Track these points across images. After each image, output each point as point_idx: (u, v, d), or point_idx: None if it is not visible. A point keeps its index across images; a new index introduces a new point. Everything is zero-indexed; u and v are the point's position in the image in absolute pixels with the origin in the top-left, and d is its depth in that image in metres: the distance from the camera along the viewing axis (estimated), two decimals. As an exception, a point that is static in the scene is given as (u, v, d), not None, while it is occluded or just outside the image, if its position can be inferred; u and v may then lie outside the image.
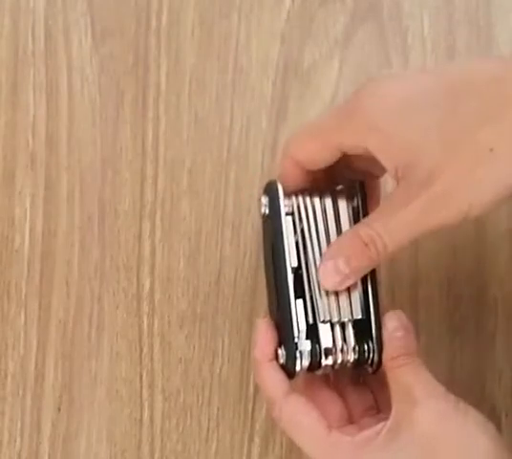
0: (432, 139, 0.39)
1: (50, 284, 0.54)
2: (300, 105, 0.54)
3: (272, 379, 0.44)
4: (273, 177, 0.54)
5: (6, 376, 0.54)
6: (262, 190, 0.45)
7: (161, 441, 0.54)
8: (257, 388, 0.53)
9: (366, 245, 0.41)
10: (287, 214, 0.44)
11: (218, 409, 0.54)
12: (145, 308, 0.54)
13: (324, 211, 0.44)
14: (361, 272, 0.42)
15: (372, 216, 0.42)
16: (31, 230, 0.54)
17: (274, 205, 0.44)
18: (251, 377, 0.53)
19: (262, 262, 0.54)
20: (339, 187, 0.45)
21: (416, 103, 0.40)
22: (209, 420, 0.54)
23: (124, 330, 0.54)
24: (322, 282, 0.43)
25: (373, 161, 0.41)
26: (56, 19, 0.55)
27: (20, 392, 0.54)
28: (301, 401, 0.44)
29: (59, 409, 0.54)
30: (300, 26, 0.54)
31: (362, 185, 0.44)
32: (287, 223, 0.44)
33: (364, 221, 0.42)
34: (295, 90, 0.54)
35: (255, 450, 0.53)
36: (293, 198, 0.44)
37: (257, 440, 0.53)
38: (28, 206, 0.54)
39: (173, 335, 0.54)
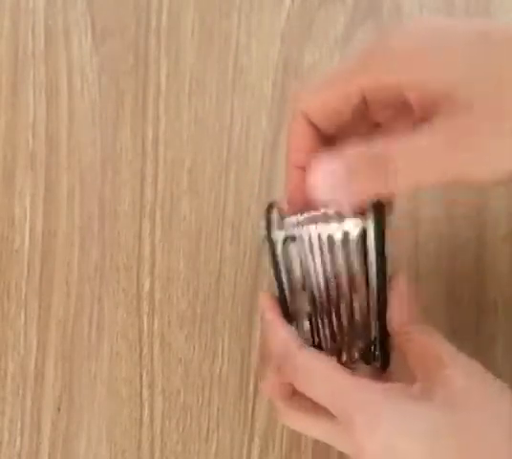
0: (468, 73, 0.36)
1: (50, 284, 0.54)
2: (300, 105, 0.54)
3: (285, 333, 0.43)
4: (273, 177, 0.54)
5: (6, 376, 0.54)
6: (262, 204, 0.45)
7: (161, 441, 0.54)
8: (257, 388, 0.53)
9: (376, 165, 0.36)
10: (287, 238, 0.43)
11: (218, 409, 0.54)
12: (145, 308, 0.54)
13: (329, 239, 0.42)
14: (357, 193, 0.37)
15: (394, 144, 0.37)
16: (31, 230, 0.54)
17: (270, 231, 0.43)
18: (251, 377, 0.53)
19: (262, 262, 0.54)
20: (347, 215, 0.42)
21: (449, 40, 0.37)
22: (209, 420, 0.54)
23: (124, 330, 0.54)
24: (310, 180, 0.38)
25: (393, 109, 0.39)
26: (56, 19, 0.55)
27: (20, 392, 0.54)
28: (315, 351, 0.42)
29: (59, 409, 0.54)
30: (300, 26, 0.54)
31: (378, 207, 0.41)
32: (286, 248, 0.43)
33: (382, 140, 0.37)
34: (295, 90, 0.54)
35: (255, 450, 0.53)
36: (294, 219, 0.43)
37: (257, 440, 0.53)
38: (28, 206, 0.55)
39: (173, 335, 0.54)
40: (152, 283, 0.54)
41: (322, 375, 0.40)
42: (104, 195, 0.54)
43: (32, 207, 0.54)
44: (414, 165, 0.36)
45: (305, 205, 0.42)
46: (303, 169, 0.41)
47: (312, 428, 0.43)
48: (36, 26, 0.55)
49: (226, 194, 0.54)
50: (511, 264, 0.53)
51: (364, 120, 0.41)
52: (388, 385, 0.40)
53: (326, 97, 0.40)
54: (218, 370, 0.54)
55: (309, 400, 0.41)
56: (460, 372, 0.39)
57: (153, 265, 0.54)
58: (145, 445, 0.54)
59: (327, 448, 0.53)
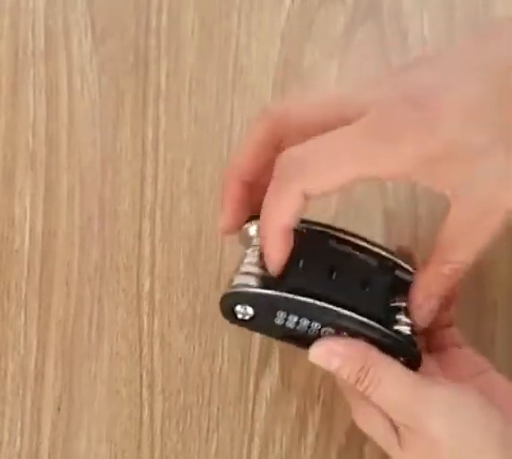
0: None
1: (50, 284, 0.54)
2: (300, 105, 0.54)
3: (363, 345, 0.42)
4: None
5: (6, 376, 0.54)
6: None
7: (161, 441, 0.54)
8: (257, 388, 0.53)
9: (450, 277, 0.41)
10: None
11: (218, 409, 0.54)
12: (145, 308, 0.54)
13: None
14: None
15: (443, 246, 0.42)
16: (31, 230, 0.54)
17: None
18: (251, 377, 0.53)
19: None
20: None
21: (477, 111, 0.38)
22: (209, 420, 0.54)
23: (124, 330, 0.54)
24: (420, 323, 0.42)
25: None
26: (56, 19, 0.55)
27: (20, 392, 0.54)
28: (394, 362, 0.42)
29: (59, 409, 0.54)
30: (300, 26, 0.54)
31: None
32: None
33: (440, 256, 0.42)
34: (295, 90, 0.54)
35: (255, 450, 0.53)
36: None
37: (257, 440, 0.53)
38: (28, 206, 0.54)
39: (173, 335, 0.54)
40: (152, 283, 0.54)
41: (404, 385, 0.41)
42: (104, 195, 0.54)
43: (31, 207, 0.54)
44: (474, 253, 0.41)
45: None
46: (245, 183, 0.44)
47: (368, 420, 0.43)
48: (36, 26, 0.55)
49: (226, 194, 0.54)
50: (511, 264, 0.53)
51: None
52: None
53: (325, 179, 0.40)
54: (218, 370, 0.54)
55: None
56: (437, 423, 0.40)
57: (153, 265, 0.54)
58: (145, 445, 0.54)
59: (326, 448, 0.53)
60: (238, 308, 0.42)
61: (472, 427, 0.39)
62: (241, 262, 0.43)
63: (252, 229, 0.44)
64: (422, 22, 0.54)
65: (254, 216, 0.43)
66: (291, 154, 0.40)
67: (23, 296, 0.54)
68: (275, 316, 0.41)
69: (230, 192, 0.44)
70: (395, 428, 0.41)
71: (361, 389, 0.41)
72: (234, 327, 0.53)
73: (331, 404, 0.53)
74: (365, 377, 0.40)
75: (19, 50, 0.55)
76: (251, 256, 0.42)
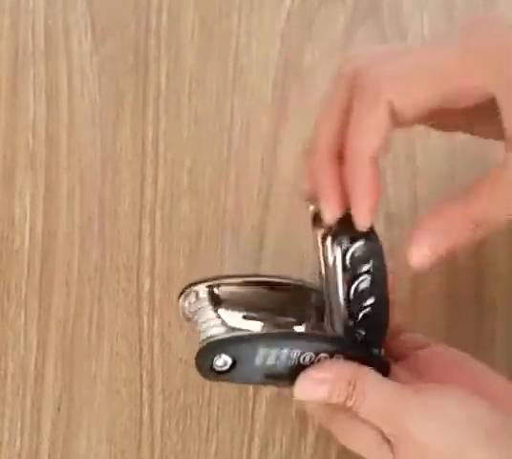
0: None
1: (50, 284, 0.54)
2: (300, 105, 0.54)
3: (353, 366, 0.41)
4: (273, 177, 0.54)
5: (6, 376, 0.54)
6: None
7: (161, 441, 0.54)
8: (257, 388, 0.53)
9: (475, 223, 0.37)
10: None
11: (218, 409, 0.54)
12: (145, 308, 0.54)
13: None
14: (454, 248, 0.38)
15: (481, 191, 0.37)
16: (31, 230, 0.54)
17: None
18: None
19: (261, 262, 0.54)
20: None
21: None
22: (209, 420, 0.54)
23: (124, 330, 0.54)
24: (413, 265, 0.39)
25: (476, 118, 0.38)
26: (56, 19, 0.55)
27: (20, 392, 0.54)
28: (381, 379, 0.41)
29: (59, 409, 0.54)
30: (300, 26, 0.54)
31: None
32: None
33: (472, 198, 0.37)
34: (295, 90, 0.54)
35: (255, 450, 0.53)
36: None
37: (257, 440, 0.53)
38: (28, 206, 0.54)
39: (173, 335, 0.54)
40: (152, 283, 0.54)
41: (388, 401, 0.40)
42: (104, 195, 0.54)
43: (32, 207, 0.54)
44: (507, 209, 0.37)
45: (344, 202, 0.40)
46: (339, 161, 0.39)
47: (358, 438, 0.42)
48: (36, 26, 0.55)
49: (226, 194, 0.54)
50: (511, 264, 0.53)
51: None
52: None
53: (418, 89, 0.37)
54: (218, 370, 0.54)
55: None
56: (425, 427, 0.39)
57: (153, 265, 0.54)
58: (145, 445, 0.54)
59: (326, 448, 0.53)
60: (216, 359, 0.41)
61: (453, 426, 0.39)
62: (197, 323, 0.43)
63: None
64: (422, 22, 0.54)
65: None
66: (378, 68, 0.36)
67: (23, 296, 0.54)
68: (255, 355, 0.41)
69: (328, 174, 0.39)
70: (387, 441, 0.41)
71: (350, 404, 0.40)
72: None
73: (331, 404, 0.53)
74: (353, 390, 0.40)
75: (19, 50, 0.55)
76: (205, 317, 0.43)
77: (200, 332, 0.42)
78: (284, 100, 0.54)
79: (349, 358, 0.41)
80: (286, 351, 0.41)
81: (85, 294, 0.54)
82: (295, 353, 0.41)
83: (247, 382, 0.43)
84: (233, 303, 0.43)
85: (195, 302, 0.44)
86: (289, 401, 0.53)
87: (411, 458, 0.40)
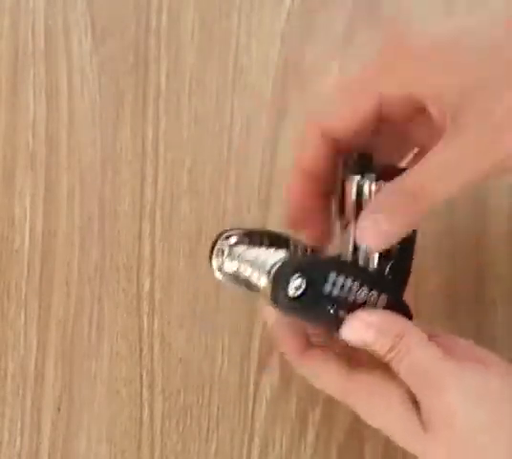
0: (484, 77, 0.37)
1: (50, 284, 0.54)
2: (300, 105, 0.54)
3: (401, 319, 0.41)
4: (273, 177, 0.54)
5: (6, 376, 0.54)
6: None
7: (161, 441, 0.54)
8: (257, 388, 0.53)
9: (411, 195, 0.38)
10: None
11: (218, 409, 0.54)
12: (145, 308, 0.54)
13: None
14: (407, 227, 0.40)
15: (416, 167, 0.38)
16: (31, 230, 0.54)
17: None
18: (251, 377, 0.53)
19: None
20: None
21: (463, 43, 0.37)
22: (209, 420, 0.54)
23: (124, 330, 0.54)
24: (362, 241, 0.39)
25: (409, 112, 0.40)
26: (56, 19, 0.55)
27: (20, 392, 0.54)
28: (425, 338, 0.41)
29: (59, 409, 0.54)
30: (300, 26, 0.54)
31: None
32: None
33: (409, 172, 0.39)
34: (295, 90, 0.54)
35: (255, 450, 0.53)
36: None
37: (257, 440, 0.53)
38: (28, 206, 0.54)
39: (173, 335, 0.54)
40: (152, 283, 0.54)
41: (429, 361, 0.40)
42: (104, 195, 0.54)
43: (31, 207, 0.54)
44: (448, 180, 0.38)
45: (307, 212, 0.43)
46: (310, 175, 0.42)
47: (327, 380, 0.43)
48: (36, 26, 0.55)
49: (226, 194, 0.54)
50: (511, 264, 0.53)
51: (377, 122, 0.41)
52: None
53: (345, 111, 0.40)
54: (218, 370, 0.54)
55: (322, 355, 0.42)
56: (461, 398, 0.39)
57: (153, 265, 0.54)
58: (145, 445, 0.54)
59: (326, 448, 0.53)
60: (292, 281, 0.39)
61: (490, 403, 0.39)
62: (249, 264, 0.42)
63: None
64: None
65: None
66: None
67: (23, 296, 0.54)
68: (326, 281, 0.40)
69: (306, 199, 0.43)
70: (415, 403, 0.40)
71: (391, 356, 0.40)
72: (234, 327, 0.53)
73: (331, 403, 0.53)
74: (399, 343, 0.40)
75: (19, 50, 0.55)
76: (255, 253, 0.42)
77: (258, 268, 0.41)
78: (284, 100, 0.54)
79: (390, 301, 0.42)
80: (349, 281, 0.41)
81: (85, 294, 0.54)
82: (356, 284, 0.41)
83: (313, 315, 0.41)
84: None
85: (232, 251, 0.43)
86: (289, 399, 0.53)
87: (440, 423, 0.39)
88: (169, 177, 0.54)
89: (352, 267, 0.41)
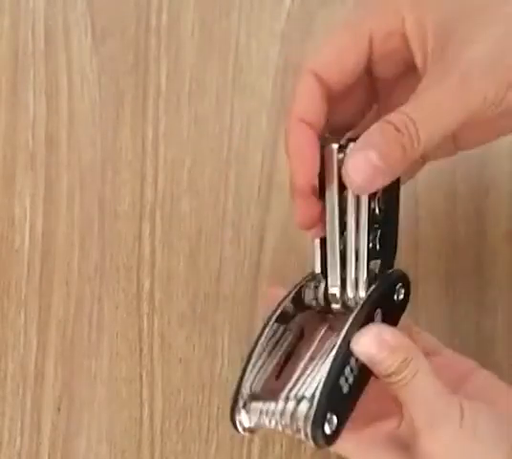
0: (467, 15, 0.37)
1: (50, 284, 0.54)
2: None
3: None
4: (273, 177, 0.54)
5: (6, 376, 0.54)
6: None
7: (161, 441, 0.54)
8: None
9: (398, 130, 0.36)
10: None
11: (218, 409, 0.54)
12: (145, 308, 0.54)
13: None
14: (394, 166, 0.37)
15: (403, 106, 0.37)
16: (31, 230, 0.54)
17: None
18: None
19: (261, 262, 0.54)
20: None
21: None
22: (209, 420, 0.54)
23: (124, 330, 0.54)
24: (351, 178, 0.37)
25: (397, 68, 0.40)
26: (56, 19, 0.55)
27: (20, 392, 0.54)
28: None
29: (59, 409, 0.54)
30: (300, 26, 0.54)
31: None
32: None
33: (398, 109, 0.37)
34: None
35: (255, 450, 0.53)
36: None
37: (257, 440, 0.53)
38: (28, 206, 0.55)
39: (173, 335, 0.54)
40: (152, 283, 0.54)
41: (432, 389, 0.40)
42: (104, 195, 0.54)
43: (31, 207, 0.54)
44: (432, 119, 0.37)
45: (310, 162, 0.41)
46: (308, 124, 0.40)
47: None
48: (36, 26, 0.55)
49: (226, 194, 0.54)
50: (511, 264, 0.53)
51: (369, 80, 0.41)
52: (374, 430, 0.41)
53: (337, 48, 0.39)
54: (218, 370, 0.54)
55: None
56: (460, 435, 0.39)
57: (153, 265, 0.54)
58: (145, 445, 0.54)
59: (326, 449, 0.53)
60: (326, 424, 0.39)
61: (485, 445, 0.39)
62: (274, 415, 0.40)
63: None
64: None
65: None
66: None
67: (23, 296, 0.54)
68: (340, 385, 0.39)
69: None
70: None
71: (395, 379, 0.39)
72: (234, 327, 0.53)
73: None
74: (406, 367, 0.39)
75: (19, 50, 0.55)
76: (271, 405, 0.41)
77: (287, 420, 0.39)
78: (284, 100, 0.54)
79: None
80: (352, 361, 0.40)
81: (85, 294, 0.54)
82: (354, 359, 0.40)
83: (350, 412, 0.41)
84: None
85: (250, 407, 0.41)
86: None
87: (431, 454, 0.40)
88: (169, 177, 0.54)
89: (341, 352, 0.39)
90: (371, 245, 0.41)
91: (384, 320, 0.41)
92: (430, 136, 0.37)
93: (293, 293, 0.42)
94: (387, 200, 0.41)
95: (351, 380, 0.39)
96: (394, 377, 0.39)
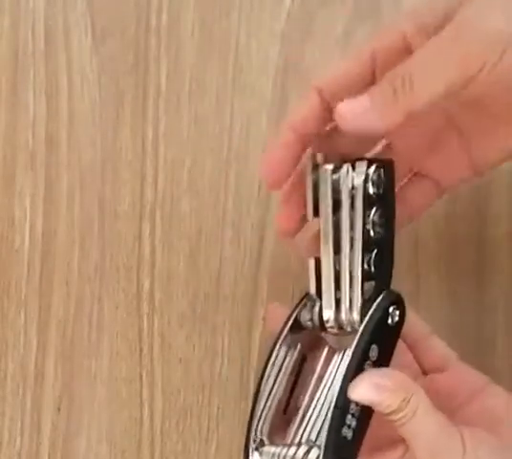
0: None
1: (50, 284, 0.54)
2: (300, 105, 0.54)
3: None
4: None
5: (6, 376, 0.54)
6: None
7: (161, 441, 0.54)
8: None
9: (392, 80, 0.37)
10: None
11: (218, 409, 0.54)
12: (145, 308, 0.54)
13: None
14: (386, 113, 0.37)
15: (402, 62, 0.38)
16: (31, 230, 0.54)
17: None
18: (251, 377, 0.53)
19: (261, 262, 0.54)
20: None
21: None
22: (209, 420, 0.54)
23: (124, 330, 0.54)
24: (340, 115, 0.37)
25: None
26: (56, 19, 0.55)
27: (20, 392, 0.54)
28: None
29: (59, 409, 0.54)
30: (300, 26, 0.54)
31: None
32: None
33: (397, 66, 0.38)
34: (295, 90, 0.54)
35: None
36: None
37: (257, 440, 0.53)
38: (28, 206, 0.54)
39: (173, 335, 0.54)
40: (152, 283, 0.54)
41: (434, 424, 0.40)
42: (104, 195, 0.54)
43: (31, 207, 0.54)
44: (426, 73, 0.37)
45: (287, 168, 0.42)
46: (299, 135, 0.41)
47: None
48: (36, 26, 0.55)
49: (226, 194, 0.54)
50: (511, 264, 0.53)
51: None
52: None
53: (342, 68, 0.41)
54: (218, 370, 0.54)
55: None
56: None
57: (153, 265, 0.54)
58: (145, 445, 0.54)
59: None
60: None
61: None
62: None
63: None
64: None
65: None
66: None
67: (23, 296, 0.54)
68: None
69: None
70: None
71: (396, 417, 0.39)
72: (234, 327, 0.54)
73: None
74: (406, 406, 0.39)
75: (19, 50, 0.55)
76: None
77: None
78: (284, 100, 0.54)
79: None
80: (352, 406, 0.40)
81: (85, 294, 0.54)
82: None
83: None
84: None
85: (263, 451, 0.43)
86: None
87: None
88: (169, 177, 0.54)
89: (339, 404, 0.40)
90: (366, 266, 0.41)
91: (381, 348, 0.41)
92: (424, 88, 0.37)
93: (294, 315, 0.43)
94: (382, 222, 0.42)
95: (354, 424, 0.40)
96: (394, 415, 0.39)
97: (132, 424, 0.54)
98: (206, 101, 0.55)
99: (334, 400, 0.40)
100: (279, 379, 0.42)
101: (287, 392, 0.43)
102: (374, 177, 0.41)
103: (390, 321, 0.41)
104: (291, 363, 0.43)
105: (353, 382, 0.39)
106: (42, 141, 0.55)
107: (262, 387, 0.42)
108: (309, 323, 0.43)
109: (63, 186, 0.55)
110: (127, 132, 0.55)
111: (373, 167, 0.41)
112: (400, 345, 0.43)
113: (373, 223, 0.41)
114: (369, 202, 0.41)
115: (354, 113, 0.37)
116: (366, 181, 0.41)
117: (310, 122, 0.41)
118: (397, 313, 0.42)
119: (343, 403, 0.39)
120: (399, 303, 0.42)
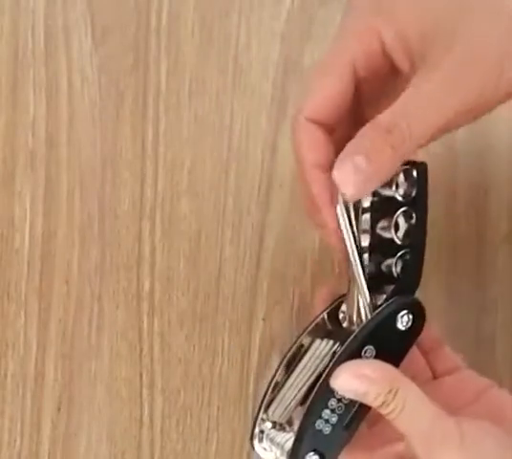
0: (442, 17, 0.37)
1: (50, 284, 0.54)
2: (300, 105, 0.54)
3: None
4: (273, 177, 0.54)
5: (6, 376, 0.54)
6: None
7: (161, 441, 0.54)
8: (257, 388, 0.53)
9: (389, 131, 0.36)
10: None
11: (218, 409, 0.54)
12: (145, 308, 0.54)
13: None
14: (384, 169, 0.37)
15: (392, 105, 0.37)
16: (31, 230, 0.54)
17: None
18: (251, 377, 0.53)
19: (261, 262, 0.54)
20: None
21: None
22: (209, 420, 0.54)
23: (124, 330, 0.54)
24: (342, 189, 0.37)
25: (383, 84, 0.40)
26: (56, 19, 0.55)
27: (20, 392, 0.54)
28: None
29: (59, 409, 0.54)
30: (300, 26, 0.54)
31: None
32: None
33: (385, 112, 0.37)
34: (295, 90, 0.54)
35: (255, 450, 0.53)
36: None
37: (257, 440, 0.53)
38: (28, 206, 0.54)
39: (173, 335, 0.54)
40: (152, 283, 0.54)
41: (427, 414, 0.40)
42: (104, 195, 0.54)
43: (31, 208, 0.54)
44: (423, 115, 0.36)
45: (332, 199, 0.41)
46: (322, 168, 0.41)
47: None
48: (36, 26, 0.55)
49: (226, 194, 0.54)
50: (511, 264, 0.53)
51: (359, 106, 0.41)
52: None
53: (324, 86, 0.40)
54: (218, 370, 0.54)
55: None
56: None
57: (153, 265, 0.54)
58: (145, 445, 0.54)
59: None
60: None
61: None
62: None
63: None
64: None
65: None
66: None
67: (23, 296, 0.54)
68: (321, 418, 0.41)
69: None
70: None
71: (386, 411, 0.39)
72: (234, 327, 0.54)
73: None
74: (393, 398, 0.39)
75: (19, 50, 0.55)
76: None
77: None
78: (284, 100, 0.54)
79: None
80: (332, 402, 0.40)
81: (85, 294, 0.54)
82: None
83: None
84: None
85: (268, 438, 0.43)
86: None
87: None
88: (169, 177, 0.54)
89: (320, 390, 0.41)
90: (385, 269, 0.41)
91: (383, 353, 0.41)
92: (423, 128, 0.37)
93: (330, 308, 0.43)
94: (410, 226, 0.41)
95: (333, 420, 0.40)
96: (384, 408, 0.39)
97: (132, 424, 0.54)
98: (206, 101, 0.55)
99: (313, 392, 0.40)
100: (307, 367, 0.43)
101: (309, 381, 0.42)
102: (400, 179, 0.41)
103: (400, 326, 0.41)
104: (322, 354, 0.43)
105: (335, 372, 0.39)
106: (42, 140, 0.55)
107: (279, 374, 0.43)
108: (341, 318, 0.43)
109: (63, 186, 0.55)
110: (127, 132, 0.55)
111: (400, 171, 0.40)
112: (413, 351, 0.43)
113: (397, 226, 0.41)
114: (394, 205, 0.41)
115: (356, 183, 0.37)
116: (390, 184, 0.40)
117: (321, 158, 0.41)
118: (410, 318, 0.42)
119: (321, 396, 0.40)
120: (414, 309, 0.42)
